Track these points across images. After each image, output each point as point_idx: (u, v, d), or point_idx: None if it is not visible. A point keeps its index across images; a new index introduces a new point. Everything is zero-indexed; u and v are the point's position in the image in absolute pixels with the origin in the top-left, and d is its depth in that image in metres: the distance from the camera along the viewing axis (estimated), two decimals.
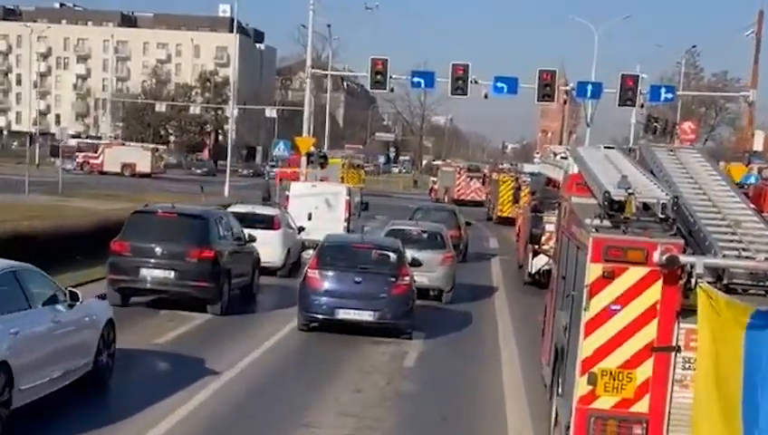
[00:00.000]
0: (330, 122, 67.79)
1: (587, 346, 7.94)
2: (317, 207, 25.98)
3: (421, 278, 18.23)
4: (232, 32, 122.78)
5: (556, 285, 11.48)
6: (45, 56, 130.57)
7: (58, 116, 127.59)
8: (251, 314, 17.84)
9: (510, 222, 42.31)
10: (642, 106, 38.02)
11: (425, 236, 21.00)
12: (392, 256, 16.20)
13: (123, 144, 51.56)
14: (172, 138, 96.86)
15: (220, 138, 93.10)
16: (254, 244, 18.98)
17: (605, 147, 11.94)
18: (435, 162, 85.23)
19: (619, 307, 7.83)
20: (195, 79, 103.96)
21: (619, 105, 35.37)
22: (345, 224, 25.87)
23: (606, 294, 7.86)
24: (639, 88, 34.95)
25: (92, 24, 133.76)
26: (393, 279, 15.69)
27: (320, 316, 15.60)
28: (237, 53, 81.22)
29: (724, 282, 7.60)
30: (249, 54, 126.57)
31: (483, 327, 18.31)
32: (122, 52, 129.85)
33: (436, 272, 19.92)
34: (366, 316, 15.42)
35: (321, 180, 32.26)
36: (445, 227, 22.61)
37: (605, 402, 7.92)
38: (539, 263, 22.06)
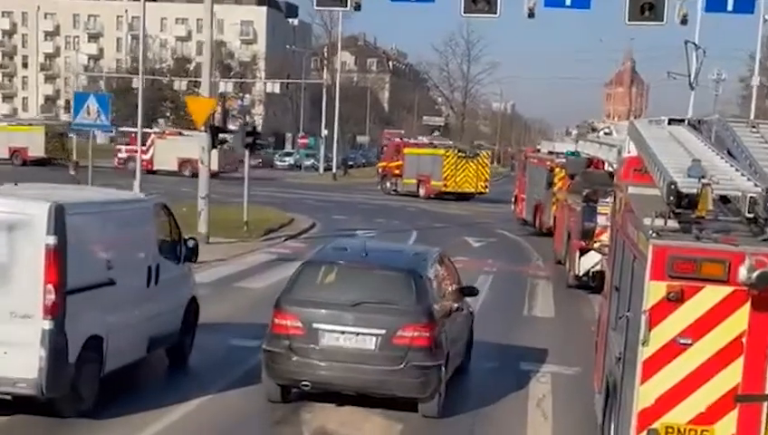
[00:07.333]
0: (373, 105, 67.72)
1: (646, 393, 7.09)
2: None
3: None
4: (259, 5, 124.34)
5: (609, 294, 10.42)
6: (53, 35, 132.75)
7: (68, 102, 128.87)
8: None
9: (452, 197, 48.37)
10: None
11: None
12: None
13: None
14: (161, 120, 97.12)
15: (239, 122, 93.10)
16: None
17: (671, 120, 10.57)
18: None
19: (690, 341, 7.00)
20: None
21: None
22: (48, 325, 9.85)
23: (672, 322, 6.99)
24: None
25: None
26: None
27: None
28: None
29: None
30: (279, 30, 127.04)
31: None
32: (137, 29, 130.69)
33: None
34: None
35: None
36: None
37: None
38: (588, 262, 20.37)
